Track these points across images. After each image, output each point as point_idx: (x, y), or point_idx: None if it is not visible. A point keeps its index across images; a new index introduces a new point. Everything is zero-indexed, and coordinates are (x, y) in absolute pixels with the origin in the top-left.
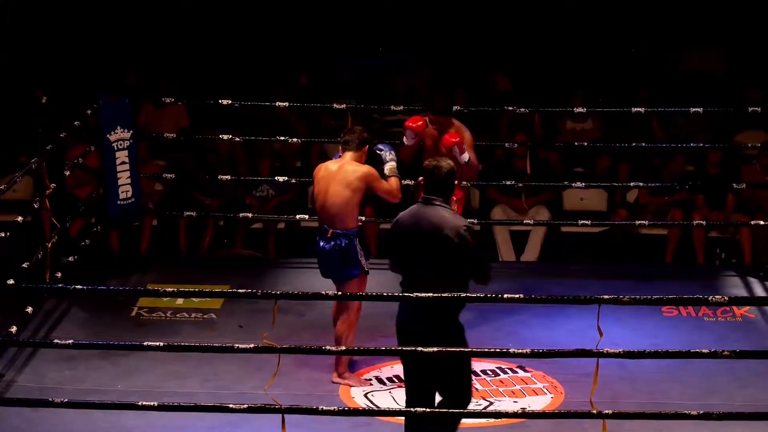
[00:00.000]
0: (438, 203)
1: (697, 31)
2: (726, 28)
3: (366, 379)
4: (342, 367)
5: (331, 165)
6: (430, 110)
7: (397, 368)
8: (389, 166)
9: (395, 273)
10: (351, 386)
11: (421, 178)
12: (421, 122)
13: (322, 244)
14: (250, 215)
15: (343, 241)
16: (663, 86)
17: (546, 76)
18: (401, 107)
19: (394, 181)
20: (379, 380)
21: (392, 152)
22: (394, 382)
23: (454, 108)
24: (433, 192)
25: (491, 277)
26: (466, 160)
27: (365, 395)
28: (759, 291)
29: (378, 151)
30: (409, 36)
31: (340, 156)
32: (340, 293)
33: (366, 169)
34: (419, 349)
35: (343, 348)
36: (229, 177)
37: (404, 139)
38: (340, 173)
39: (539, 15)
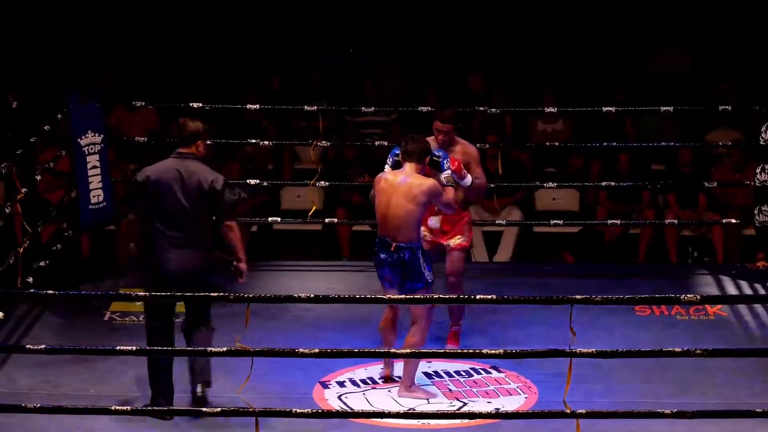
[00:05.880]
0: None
1: (667, 29)
2: (695, 27)
3: (429, 392)
4: (408, 380)
5: (393, 176)
6: (438, 118)
7: (372, 370)
8: (446, 175)
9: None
10: (419, 399)
11: None
12: (456, 163)
13: (383, 256)
14: None
15: (406, 254)
16: (633, 85)
17: (518, 77)
18: (372, 108)
19: (450, 191)
20: (353, 382)
21: (448, 160)
22: (368, 384)
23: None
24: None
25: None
26: (468, 183)
27: (339, 397)
28: (731, 289)
29: (436, 158)
30: (380, 37)
31: (394, 157)
32: (302, 296)
33: (431, 183)
34: None
35: (316, 351)
36: None
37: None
38: (404, 186)
39: (512, 15)
